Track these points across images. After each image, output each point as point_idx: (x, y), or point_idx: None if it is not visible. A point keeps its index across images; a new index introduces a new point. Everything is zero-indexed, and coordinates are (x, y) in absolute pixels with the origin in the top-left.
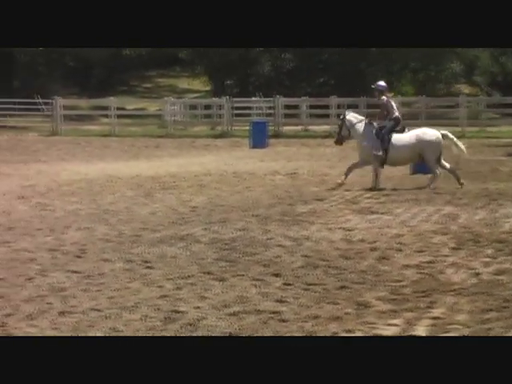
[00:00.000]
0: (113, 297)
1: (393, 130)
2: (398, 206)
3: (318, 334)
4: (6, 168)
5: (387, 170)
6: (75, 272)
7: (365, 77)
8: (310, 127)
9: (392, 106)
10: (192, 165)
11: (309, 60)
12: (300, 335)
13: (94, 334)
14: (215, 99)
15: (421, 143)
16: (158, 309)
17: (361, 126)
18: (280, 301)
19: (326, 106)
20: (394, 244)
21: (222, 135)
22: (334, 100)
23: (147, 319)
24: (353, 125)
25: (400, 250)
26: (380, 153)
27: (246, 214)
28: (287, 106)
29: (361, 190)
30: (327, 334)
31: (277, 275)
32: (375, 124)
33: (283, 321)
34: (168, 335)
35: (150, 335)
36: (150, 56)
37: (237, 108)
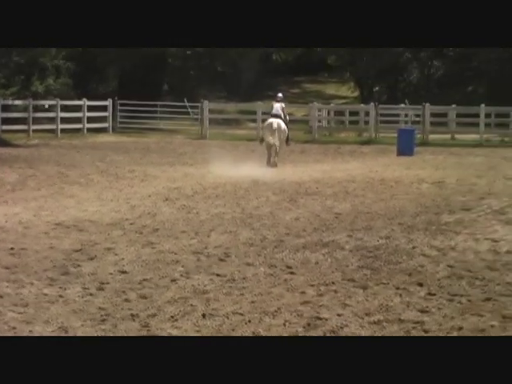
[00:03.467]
0: (255, 301)
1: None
2: None
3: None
4: (154, 170)
5: None
6: (218, 275)
7: None
8: (458, 136)
9: (272, 107)
10: (337, 171)
11: (458, 67)
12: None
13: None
14: (362, 105)
15: None
16: (300, 315)
17: None
18: (423, 311)
19: (475, 115)
20: None
21: (368, 142)
22: (483, 108)
23: (289, 325)
24: None
25: None
26: None
27: (390, 222)
28: (435, 114)
29: (509, 201)
30: None
31: (420, 285)
32: None
33: (426, 331)
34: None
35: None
36: (298, 62)
37: (384, 115)
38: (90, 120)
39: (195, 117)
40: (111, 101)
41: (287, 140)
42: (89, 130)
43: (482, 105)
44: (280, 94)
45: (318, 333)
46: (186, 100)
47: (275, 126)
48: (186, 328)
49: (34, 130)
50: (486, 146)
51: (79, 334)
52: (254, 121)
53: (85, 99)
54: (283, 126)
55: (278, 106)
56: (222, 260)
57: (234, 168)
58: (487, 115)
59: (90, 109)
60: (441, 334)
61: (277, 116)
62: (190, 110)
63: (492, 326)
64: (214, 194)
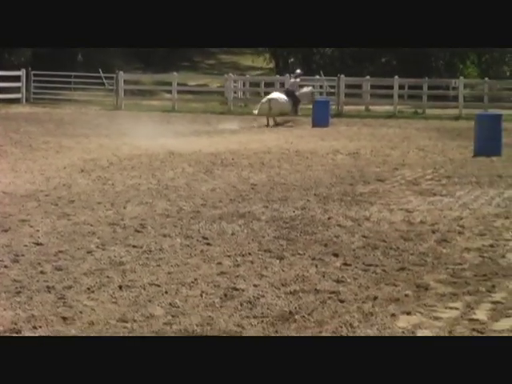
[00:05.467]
0: (172, 272)
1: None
2: (460, 188)
3: (373, 317)
4: (68, 141)
5: (450, 153)
6: (135, 246)
7: (428, 57)
8: (372, 107)
9: (288, 83)
10: (253, 142)
11: None
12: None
13: (153, 310)
14: (277, 77)
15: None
16: (217, 285)
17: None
18: (339, 281)
19: (389, 87)
20: (455, 226)
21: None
22: (396, 80)
23: (206, 296)
24: None
25: (461, 233)
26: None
27: (306, 192)
28: (349, 86)
29: (422, 172)
30: (386, 316)
31: (336, 255)
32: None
33: (341, 301)
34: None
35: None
36: None
37: (299, 86)
38: (3, 90)
39: (110, 88)
40: (24, 71)
41: (296, 110)
42: (1, 100)
43: (396, 76)
44: (298, 71)
45: (235, 303)
46: (100, 71)
47: (264, 100)
48: (103, 299)
49: None
50: (400, 118)
51: None
52: (170, 92)
53: None
54: (281, 99)
55: (292, 82)
56: (138, 231)
57: (149, 139)
58: (400, 87)
59: (3, 79)
60: (356, 304)
61: (287, 90)
62: (104, 80)
63: (406, 296)
64: (130, 165)
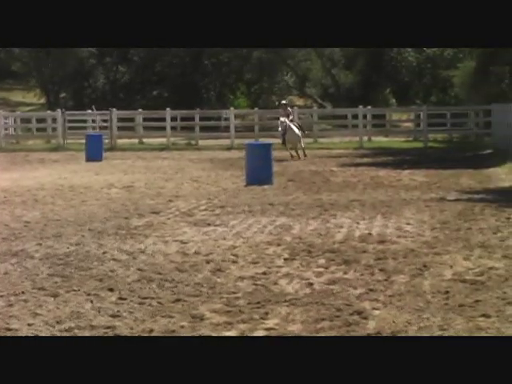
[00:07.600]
0: None
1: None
2: (233, 217)
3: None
4: None
5: (223, 183)
6: None
7: (199, 89)
8: (146, 140)
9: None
10: (26, 179)
11: (143, 73)
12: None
13: None
14: (49, 112)
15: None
16: None
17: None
18: (114, 315)
19: (162, 119)
20: (229, 256)
21: (56, 149)
22: (168, 112)
23: None
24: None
25: (235, 262)
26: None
27: (80, 228)
28: (122, 119)
29: (196, 203)
30: None
31: (111, 290)
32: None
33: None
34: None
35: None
36: None
37: (71, 121)
38: None
39: None
40: None
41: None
42: None
43: (168, 109)
44: (283, 101)
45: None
46: None
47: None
48: None
49: None
50: (173, 149)
51: None
52: None
53: None
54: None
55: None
56: None
57: None
58: (173, 119)
59: None
60: (134, 336)
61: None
62: None
63: (182, 327)
64: None
